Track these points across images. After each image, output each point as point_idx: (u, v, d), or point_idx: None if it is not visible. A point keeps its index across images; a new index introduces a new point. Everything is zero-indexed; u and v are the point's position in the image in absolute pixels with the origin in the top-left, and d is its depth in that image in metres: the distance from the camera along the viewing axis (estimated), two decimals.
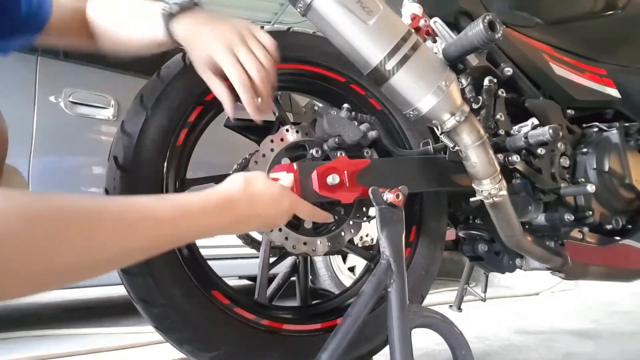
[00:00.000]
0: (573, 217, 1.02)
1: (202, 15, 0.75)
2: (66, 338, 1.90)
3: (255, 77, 0.73)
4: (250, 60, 0.72)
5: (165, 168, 0.85)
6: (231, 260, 2.31)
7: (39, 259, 0.42)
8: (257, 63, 0.72)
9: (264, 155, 0.89)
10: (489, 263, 1.19)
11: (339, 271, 2.69)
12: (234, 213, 0.65)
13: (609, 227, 1.13)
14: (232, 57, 0.72)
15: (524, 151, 1.02)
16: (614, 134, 1.15)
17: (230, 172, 1.02)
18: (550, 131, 0.87)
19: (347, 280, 2.66)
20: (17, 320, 2.39)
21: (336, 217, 0.95)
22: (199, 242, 0.90)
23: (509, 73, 1.07)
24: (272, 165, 0.88)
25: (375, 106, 1.08)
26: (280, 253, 1.04)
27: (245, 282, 3.42)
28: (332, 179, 0.84)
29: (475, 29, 0.75)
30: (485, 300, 1.64)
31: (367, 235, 2.75)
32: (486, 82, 1.01)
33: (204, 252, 0.91)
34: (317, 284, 2.66)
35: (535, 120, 1.08)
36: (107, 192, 0.82)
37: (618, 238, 1.17)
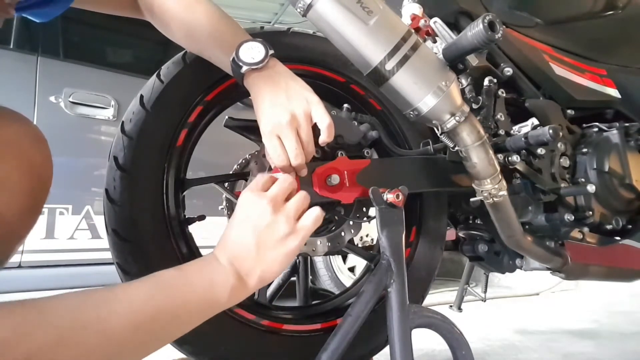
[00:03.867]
0: (573, 217, 1.02)
1: (267, 79, 0.77)
2: None
3: (294, 162, 0.75)
4: (292, 149, 0.74)
5: (165, 168, 0.85)
6: None
7: None
8: (298, 150, 0.74)
9: (264, 156, 0.89)
10: (489, 263, 1.19)
11: (339, 271, 2.69)
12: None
13: (609, 227, 1.13)
14: (276, 141, 0.74)
15: (524, 151, 1.02)
16: (614, 134, 1.15)
17: (231, 172, 1.02)
18: (550, 131, 0.87)
19: (347, 280, 2.66)
20: None
21: (337, 217, 0.95)
22: (198, 242, 0.91)
23: (509, 73, 1.07)
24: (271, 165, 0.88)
25: (375, 106, 1.08)
26: None
27: None
28: (332, 179, 0.84)
29: (475, 29, 0.75)
30: (485, 300, 1.64)
31: (367, 235, 2.75)
32: (486, 82, 1.01)
33: (204, 252, 0.91)
34: (317, 284, 2.65)
35: (535, 120, 1.08)
36: (107, 192, 0.82)
37: (618, 238, 1.17)
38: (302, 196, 0.70)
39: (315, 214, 0.68)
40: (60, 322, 0.47)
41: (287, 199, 0.69)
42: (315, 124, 0.76)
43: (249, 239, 0.63)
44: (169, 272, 0.60)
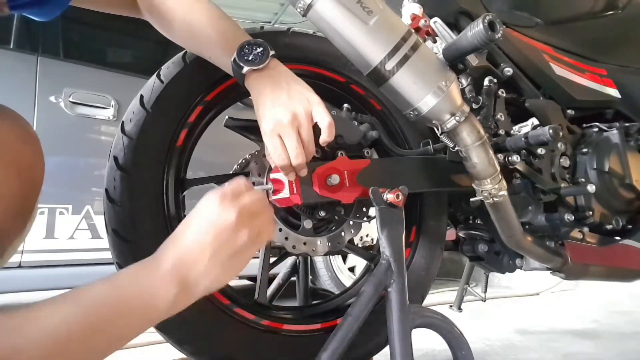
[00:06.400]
0: (573, 217, 1.02)
1: (268, 80, 0.77)
2: None
3: (294, 162, 0.75)
4: (293, 148, 0.74)
5: (165, 168, 0.85)
6: None
7: None
8: (299, 150, 0.74)
9: (264, 156, 0.89)
10: (489, 263, 1.19)
11: (339, 271, 2.69)
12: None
13: (609, 227, 1.13)
14: (277, 141, 0.74)
15: (524, 151, 1.02)
16: (614, 134, 1.15)
17: (231, 172, 1.02)
18: (550, 131, 0.87)
19: (347, 280, 2.66)
20: None
21: (337, 217, 0.95)
22: None
23: (509, 73, 1.07)
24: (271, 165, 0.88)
25: (375, 106, 1.08)
26: (281, 253, 1.04)
27: (245, 282, 3.42)
28: (332, 179, 0.84)
29: (475, 29, 0.75)
30: (485, 300, 1.64)
31: (367, 235, 2.75)
32: (486, 82, 1.01)
33: None
34: (317, 284, 2.65)
35: (535, 120, 1.08)
36: (107, 192, 0.82)
37: (618, 238, 1.17)
38: (269, 215, 0.66)
39: (273, 229, 0.70)
40: None
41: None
42: (316, 123, 0.76)
43: (206, 246, 0.58)
44: (98, 287, 0.54)
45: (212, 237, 0.58)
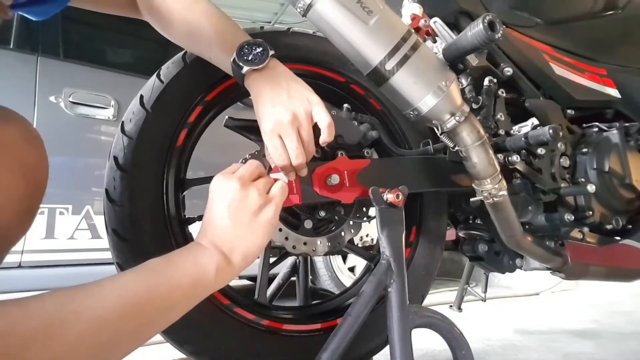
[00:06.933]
0: (573, 217, 1.02)
1: (268, 79, 0.77)
2: None
3: (294, 162, 0.75)
4: (294, 148, 0.74)
5: (165, 168, 0.85)
6: None
7: None
8: (299, 150, 0.74)
9: (264, 156, 0.89)
10: (489, 263, 1.19)
11: (339, 271, 2.69)
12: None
13: (609, 227, 1.13)
14: (277, 141, 0.74)
15: (524, 151, 1.02)
16: (614, 134, 1.15)
17: None
18: (550, 131, 0.87)
19: (347, 280, 2.66)
20: None
21: (337, 217, 0.95)
22: None
23: (509, 73, 1.07)
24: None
25: (375, 106, 1.08)
26: (281, 253, 1.04)
27: (245, 282, 3.42)
28: (332, 179, 0.84)
29: (475, 29, 0.75)
30: (485, 300, 1.64)
31: (367, 235, 2.75)
32: (486, 82, 1.01)
33: None
34: (317, 284, 2.65)
35: (535, 120, 1.08)
36: (107, 192, 0.82)
37: (618, 238, 1.17)
38: (267, 177, 0.71)
39: (281, 185, 0.71)
40: (45, 315, 0.47)
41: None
42: (316, 123, 0.76)
43: (225, 218, 0.64)
44: (155, 259, 0.61)
45: (226, 208, 0.64)
